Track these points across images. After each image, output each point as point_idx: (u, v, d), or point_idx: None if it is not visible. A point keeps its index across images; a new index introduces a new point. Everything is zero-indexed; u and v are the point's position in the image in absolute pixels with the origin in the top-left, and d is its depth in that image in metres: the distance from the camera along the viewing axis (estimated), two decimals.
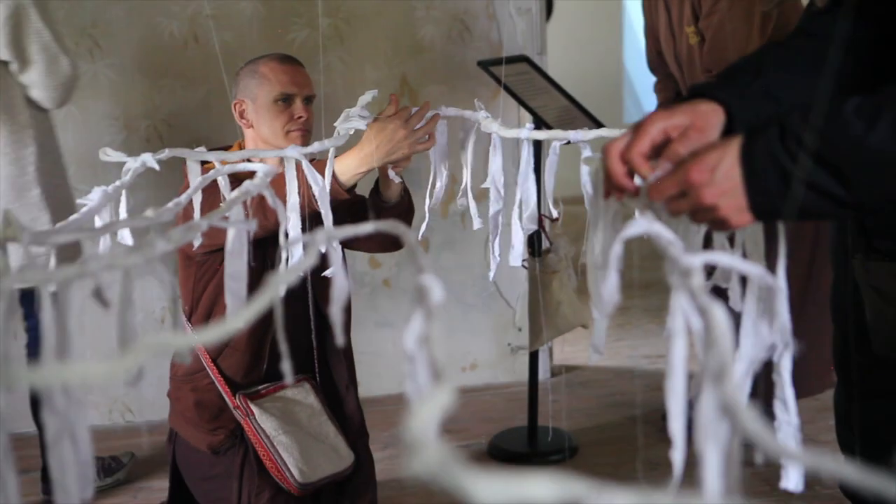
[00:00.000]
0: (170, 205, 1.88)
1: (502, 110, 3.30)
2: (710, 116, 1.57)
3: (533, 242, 4.01)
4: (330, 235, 1.29)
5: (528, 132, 2.37)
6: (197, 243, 2.39)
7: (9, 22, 3.53)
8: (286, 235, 2.06)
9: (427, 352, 0.92)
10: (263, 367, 3.02)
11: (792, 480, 1.41)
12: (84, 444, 1.17)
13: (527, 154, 2.40)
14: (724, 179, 1.41)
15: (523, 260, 4.06)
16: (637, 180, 1.53)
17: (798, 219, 1.47)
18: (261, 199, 2.30)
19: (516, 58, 3.77)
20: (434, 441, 0.65)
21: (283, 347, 1.17)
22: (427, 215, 2.61)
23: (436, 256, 4.82)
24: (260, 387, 3.02)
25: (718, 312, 0.96)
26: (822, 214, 1.48)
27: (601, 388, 5.02)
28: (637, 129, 1.54)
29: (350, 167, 2.61)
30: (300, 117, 2.91)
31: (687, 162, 1.45)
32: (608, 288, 1.29)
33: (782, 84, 1.56)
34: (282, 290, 1.79)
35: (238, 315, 0.89)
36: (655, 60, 4.25)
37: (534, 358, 4.34)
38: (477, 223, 2.55)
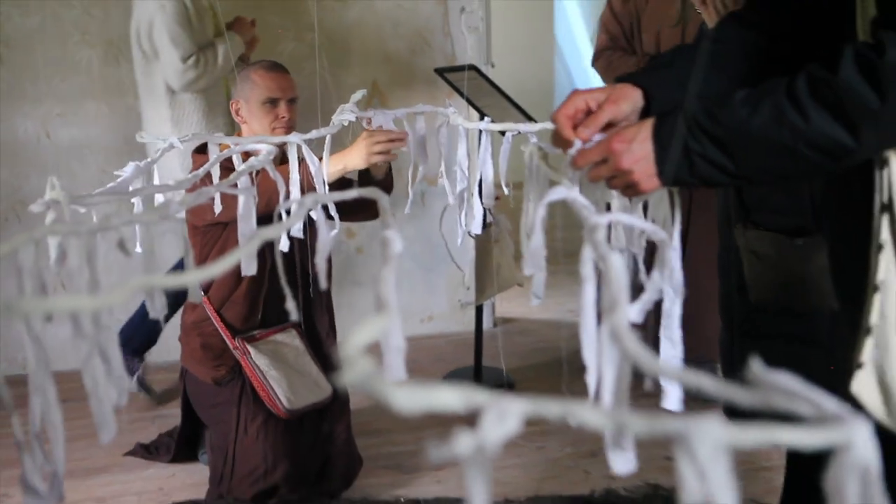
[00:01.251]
0: (189, 176, 1.92)
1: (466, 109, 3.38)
2: (626, 92, 1.60)
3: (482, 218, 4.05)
4: (316, 199, 1.33)
5: (486, 124, 2.40)
6: (218, 210, 2.41)
7: (146, 26, 3.88)
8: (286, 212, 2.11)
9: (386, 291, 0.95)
10: (258, 317, 3.06)
11: (672, 401, 1.44)
12: (116, 362, 1.20)
13: (485, 142, 2.43)
14: (638, 149, 1.43)
15: (473, 233, 4.11)
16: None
17: (696, 186, 1.49)
18: (263, 180, 2.34)
19: (466, 66, 3.78)
20: (363, 359, 0.69)
21: (286, 291, 1.21)
22: (411, 194, 2.64)
23: (400, 228, 4.84)
24: (255, 332, 3.05)
25: (614, 258, 1.00)
26: (716, 183, 1.48)
27: (533, 336, 5.08)
28: (566, 99, 1.60)
29: (333, 168, 2.66)
30: (283, 117, 2.94)
31: (610, 134, 1.48)
32: (534, 242, 1.32)
33: (689, 75, 1.59)
34: (282, 245, 1.83)
35: (220, 263, 0.92)
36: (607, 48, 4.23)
37: (479, 311, 4.39)
38: (451, 199, 2.58)
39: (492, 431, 0.66)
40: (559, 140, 1.60)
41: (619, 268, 0.96)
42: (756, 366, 0.73)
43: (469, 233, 4.06)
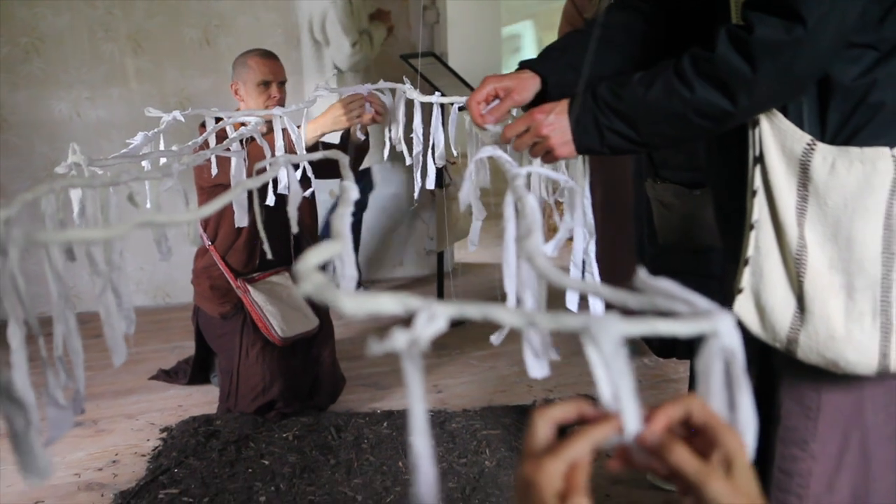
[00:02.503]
0: (189, 143, 1.90)
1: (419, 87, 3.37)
2: (528, 82, 1.60)
3: (440, 178, 4.04)
4: (287, 159, 1.32)
5: (437, 98, 2.39)
6: (215, 172, 2.40)
7: (319, 18, 4.10)
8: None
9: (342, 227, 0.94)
10: (256, 262, 3.06)
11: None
12: (126, 297, 1.19)
13: (437, 113, 2.42)
14: (556, 119, 1.45)
15: (432, 191, 4.11)
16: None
17: (607, 153, 1.49)
18: (253, 147, 2.33)
19: (427, 53, 3.75)
20: (316, 273, 0.69)
21: (264, 237, 1.20)
22: (387, 144, 2.62)
23: (378, 190, 4.84)
24: (254, 274, 3.05)
25: (529, 198, 1.00)
26: (622, 150, 1.48)
27: (483, 277, 5.08)
28: (479, 85, 1.60)
29: (311, 131, 2.63)
30: (275, 97, 2.94)
31: (533, 109, 1.49)
32: (464, 191, 1.31)
33: (581, 60, 1.59)
34: (268, 200, 1.79)
35: (207, 207, 0.91)
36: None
37: (440, 257, 4.38)
38: (409, 160, 2.57)
39: (423, 329, 0.66)
40: (475, 118, 1.62)
41: (532, 205, 0.97)
42: (643, 274, 0.73)
43: (432, 191, 4.07)
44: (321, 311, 3.17)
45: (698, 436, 0.68)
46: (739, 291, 1.45)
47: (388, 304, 0.67)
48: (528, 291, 1.01)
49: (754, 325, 1.45)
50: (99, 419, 3.23)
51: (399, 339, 0.65)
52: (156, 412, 3.27)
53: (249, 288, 2.98)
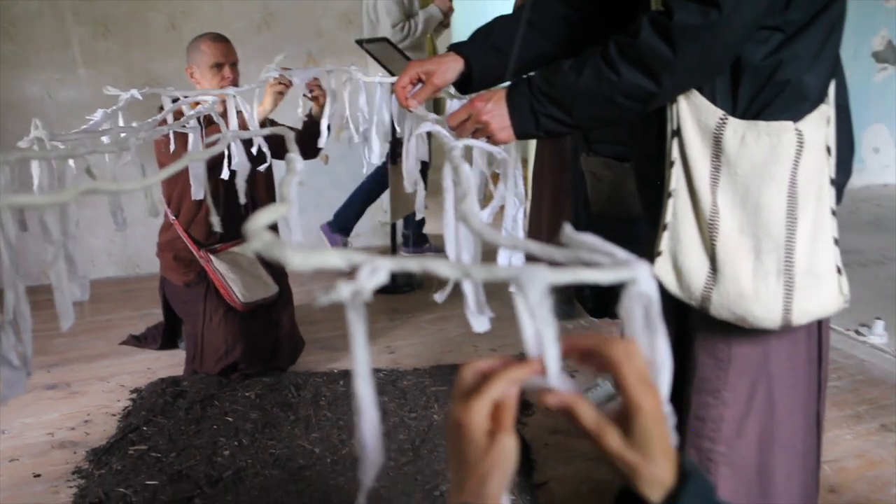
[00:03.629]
0: (149, 120, 1.86)
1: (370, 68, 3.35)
2: (450, 64, 1.60)
3: (393, 154, 4.03)
4: (235, 134, 1.30)
5: (380, 77, 2.37)
6: (173, 149, 2.36)
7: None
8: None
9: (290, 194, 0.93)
10: (218, 234, 3.02)
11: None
12: (81, 265, 1.17)
13: (380, 93, 2.40)
14: (495, 107, 1.44)
15: (385, 164, 4.08)
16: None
17: (543, 136, 1.50)
18: (209, 126, 2.29)
19: (379, 38, 3.71)
20: (264, 231, 0.68)
21: (212, 209, 1.18)
22: (324, 129, 2.60)
23: (333, 166, 4.79)
24: (216, 245, 3.01)
25: (465, 166, 1.00)
26: (557, 133, 1.49)
27: (437, 245, 5.07)
28: (404, 70, 1.61)
29: (259, 113, 2.59)
30: (228, 77, 2.88)
31: (473, 97, 1.48)
32: (408, 164, 1.31)
33: (505, 43, 1.59)
34: (223, 174, 1.76)
35: (161, 172, 0.90)
36: None
37: (393, 228, 4.37)
38: (356, 137, 2.55)
39: (366, 282, 0.65)
40: (400, 101, 1.62)
41: (468, 173, 0.97)
42: (568, 229, 0.73)
43: (385, 168, 4.05)
44: (280, 278, 3.14)
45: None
46: (658, 254, 1.47)
47: (332, 258, 0.67)
48: (465, 250, 1.01)
49: (672, 285, 1.47)
50: (72, 382, 3.18)
51: (343, 291, 0.64)
52: (126, 375, 3.23)
53: (212, 258, 2.95)
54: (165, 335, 3.41)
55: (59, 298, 1.14)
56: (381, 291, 4.14)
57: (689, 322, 1.59)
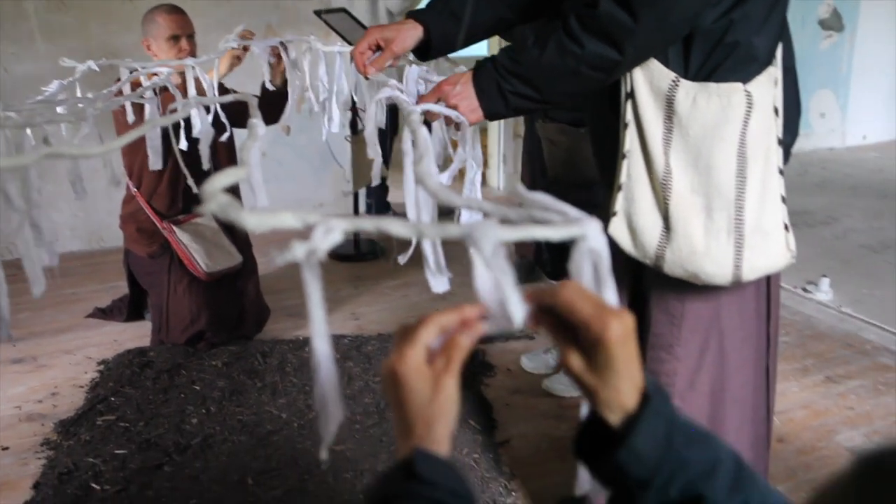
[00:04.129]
0: (104, 91, 1.81)
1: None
2: (409, 31, 1.59)
3: (354, 126, 3.99)
4: (196, 101, 1.27)
5: (339, 47, 2.34)
6: (132, 120, 2.30)
7: None
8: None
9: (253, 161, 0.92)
10: (180, 205, 2.97)
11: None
12: (47, 231, 1.14)
13: (339, 63, 2.36)
14: (463, 89, 1.43)
15: (347, 136, 4.05)
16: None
17: (512, 115, 1.49)
18: (165, 96, 2.23)
19: (338, 9, 3.65)
20: (221, 193, 0.66)
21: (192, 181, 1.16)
22: (289, 108, 2.56)
23: (295, 137, 4.74)
24: (179, 217, 2.97)
25: (422, 129, 0.99)
26: (527, 110, 1.50)
27: (401, 214, 5.03)
28: (363, 36, 1.60)
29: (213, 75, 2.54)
30: (185, 49, 2.81)
31: (441, 81, 1.47)
32: (368, 131, 1.30)
33: (462, 9, 1.58)
34: (181, 144, 1.73)
35: (114, 143, 0.87)
36: None
37: (356, 197, 4.35)
38: (315, 106, 2.51)
39: (320, 241, 0.65)
40: (358, 68, 1.61)
41: (425, 136, 0.97)
42: (521, 188, 0.73)
43: (346, 137, 4.01)
44: (244, 248, 3.11)
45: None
46: (614, 214, 1.48)
47: (288, 219, 0.66)
48: (423, 212, 1.01)
49: (627, 245, 1.48)
50: (38, 355, 3.13)
51: (298, 250, 0.64)
52: (93, 347, 3.18)
53: (175, 229, 2.90)
54: (131, 307, 3.36)
55: (28, 265, 1.12)
56: (346, 259, 4.15)
57: (643, 281, 1.60)
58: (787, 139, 1.50)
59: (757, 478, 0.69)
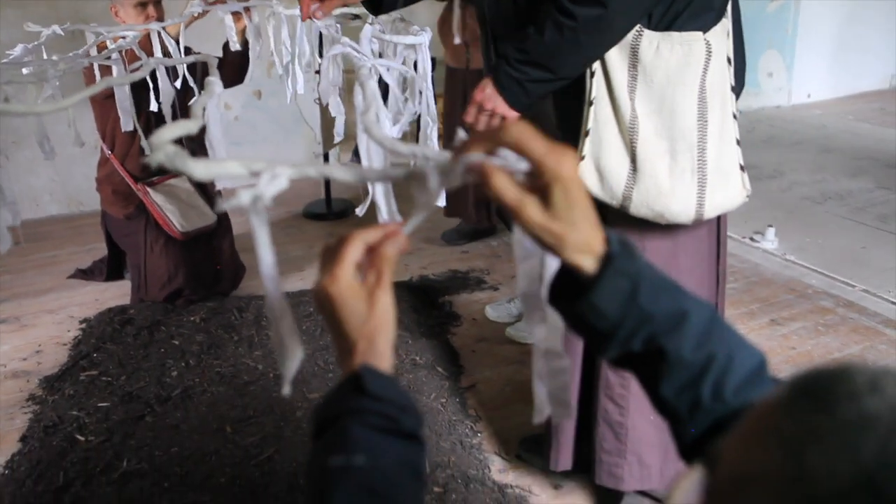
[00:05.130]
0: (70, 55, 1.76)
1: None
2: None
3: None
4: (157, 61, 1.24)
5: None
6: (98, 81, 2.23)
7: None
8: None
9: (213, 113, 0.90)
10: (152, 167, 2.91)
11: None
12: (9, 192, 1.11)
13: (300, 26, 2.31)
14: (491, 93, 1.48)
15: (316, 99, 3.98)
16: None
17: (534, 100, 1.51)
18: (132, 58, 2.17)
19: None
20: (168, 144, 0.64)
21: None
22: (257, 72, 2.49)
23: (266, 101, 4.66)
24: (153, 178, 2.91)
25: (370, 83, 0.97)
26: (547, 92, 1.51)
27: None
28: None
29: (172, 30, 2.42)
30: (152, 16, 2.68)
31: (474, 93, 1.51)
32: (323, 85, 1.27)
33: None
34: (152, 106, 1.68)
35: (65, 101, 0.85)
36: None
37: (326, 157, 4.31)
38: (280, 71, 2.46)
39: (265, 187, 0.64)
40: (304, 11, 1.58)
41: (373, 88, 0.95)
42: (461, 133, 0.72)
43: (315, 100, 3.94)
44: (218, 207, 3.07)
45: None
46: (581, 158, 1.48)
47: (233, 167, 0.65)
48: (374, 161, 1.00)
49: (595, 187, 1.49)
50: (21, 316, 3.08)
51: (244, 196, 0.63)
52: (75, 307, 3.14)
53: (149, 190, 2.85)
54: (111, 267, 3.32)
55: None
56: (319, 218, 4.12)
57: (606, 223, 1.61)
58: (736, 88, 1.53)
59: (729, 333, 0.67)
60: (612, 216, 1.55)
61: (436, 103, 1.51)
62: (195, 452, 2.13)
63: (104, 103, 2.65)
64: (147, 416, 2.31)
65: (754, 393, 0.64)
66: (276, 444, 2.17)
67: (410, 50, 1.43)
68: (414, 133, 3.33)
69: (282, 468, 2.07)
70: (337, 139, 1.68)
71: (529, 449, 2.11)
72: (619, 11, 1.38)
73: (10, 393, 2.52)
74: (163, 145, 0.65)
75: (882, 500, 0.37)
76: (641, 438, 1.71)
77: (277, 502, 1.93)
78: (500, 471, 2.10)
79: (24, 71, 1.46)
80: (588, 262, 0.63)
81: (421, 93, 1.40)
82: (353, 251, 0.66)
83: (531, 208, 0.61)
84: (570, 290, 0.65)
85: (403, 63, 1.43)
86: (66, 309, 3.13)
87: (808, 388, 0.44)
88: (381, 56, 1.48)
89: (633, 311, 0.64)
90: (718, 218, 1.64)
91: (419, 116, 1.50)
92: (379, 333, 0.66)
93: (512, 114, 1.49)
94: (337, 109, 1.49)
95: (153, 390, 2.44)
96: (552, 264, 0.69)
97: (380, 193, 0.94)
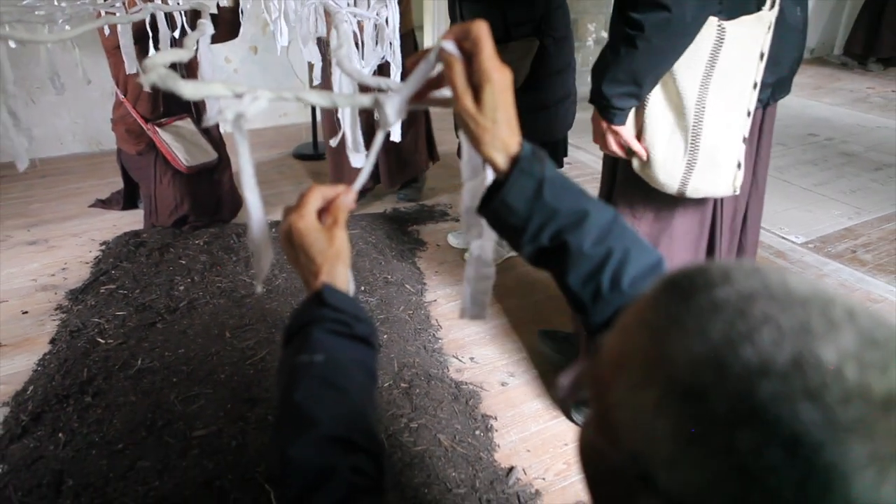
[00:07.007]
0: (77, 1, 1.67)
1: None
2: None
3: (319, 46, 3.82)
4: (154, 7, 1.18)
5: None
6: (107, 33, 2.13)
7: None
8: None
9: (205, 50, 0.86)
10: (161, 109, 2.81)
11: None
12: (23, 118, 1.07)
13: None
14: (600, 121, 1.38)
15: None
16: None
17: (626, 111, 1.36)
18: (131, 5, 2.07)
19: None
20: (159, 65, 0.62)
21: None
22: (247, 27, 2.39)
23: (262, 55, 4.52)
24: (162, 119, 2.82)
25: (343, 25, 0.94)
26: (635, 100, 1.34)
27: None
28: None
29: None
30: None
31: (595, 130, 1.41)
32: (302, 32, 1.23)
33: None
34: (152, 53, 1.62)
35: (69, 32, 0.81)
36: None
37: (313, 109, 4.21)
38: (271, 26, 2.36)
39: (246, 107, 0.62)
40: None
41: (346, 30, 0.92)
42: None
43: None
44: (219, 146, 3.00)
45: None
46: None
47: (218, 89, 0.63)
48: (345, 89, 0.97)
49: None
50: (49, 238, 3.02)
51: (227, 114, 0.61)
52: (95, 231, 3.08)
53: (158, 130, 2.77)
54: (126, 197, 3.24)
55: (10, 145, 1.05)
56: (307, 158, 4.05)
57: (616, 179, 1.56)
58: (770, 80, 1.39)
59: (628, 233, 0.66)
60: (621, 171, 1.51)
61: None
62: (199, 353, 2.13)
63: (115, 52, 2.55)
64: (158, 323, 2.30)
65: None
66: (267, 346, 2.17)
67: (381, 4, 1.39)
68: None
69: (272, 367, 2.08)
70: (315, 83, 1.64)
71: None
72: (684, 11, 1.22)
73: (40, 303, 2.49)
74: (156, 67, 0.62)
75: (725, 370, 0.37)
76: None
77: (267, 394, 1.95)
78: (456, 370, 2.13)
79: (38, 13, 1.40)
80: (501, 159, 0.63)
81: (391, 43, 1.36)
82: (314, 199, 0.68)
83: (469, 99, 0.61)
84: (490, 195, 0.66)
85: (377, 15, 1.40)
86: (87, 233, 3.07)
87: (673, 282, 0.44)
88: (355, 5, 1.43)
89: (539, 208, 0.64)
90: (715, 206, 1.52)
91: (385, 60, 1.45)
92: (338, 259, 0.68)
93: (624, 131, 1.37)
94: (315, 56, 1.44)
95: (163, 302, 2.42)
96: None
97: (347, 119, 0.92)
